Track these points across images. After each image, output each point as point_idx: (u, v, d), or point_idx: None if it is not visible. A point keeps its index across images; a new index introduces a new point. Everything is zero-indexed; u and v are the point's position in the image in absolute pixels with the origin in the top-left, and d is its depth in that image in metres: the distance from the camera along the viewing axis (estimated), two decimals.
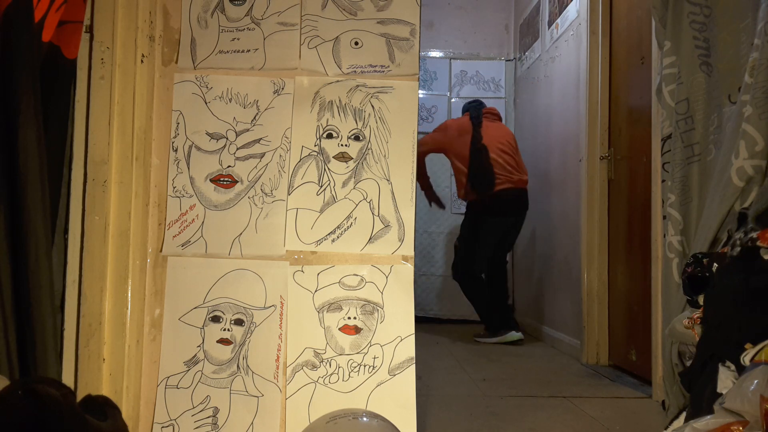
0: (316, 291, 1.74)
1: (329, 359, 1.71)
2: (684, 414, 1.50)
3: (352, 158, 1.80)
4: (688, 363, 1.61)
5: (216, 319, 1.72)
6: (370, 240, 1.76)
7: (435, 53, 4.93)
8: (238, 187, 1.78)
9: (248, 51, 1.82)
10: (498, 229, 3.84)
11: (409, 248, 1.76)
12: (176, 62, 1.81)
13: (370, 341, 1.72)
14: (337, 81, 1.82)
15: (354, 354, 1.71)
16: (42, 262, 1.38)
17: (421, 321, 3.75)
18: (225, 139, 1.79)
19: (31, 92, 1.37)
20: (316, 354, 1.71)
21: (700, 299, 1.55)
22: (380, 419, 1.42)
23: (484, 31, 5.03)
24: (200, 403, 1.68)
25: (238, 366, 1.70)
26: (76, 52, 1.59)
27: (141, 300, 1.69)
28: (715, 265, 1.51)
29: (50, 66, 1.50)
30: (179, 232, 1.76)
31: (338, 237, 1.76)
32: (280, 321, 1.72)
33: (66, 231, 1.59)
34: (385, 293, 1.74)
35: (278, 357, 1.70)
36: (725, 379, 1.27)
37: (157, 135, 1.78)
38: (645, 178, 2.70)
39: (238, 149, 1.79)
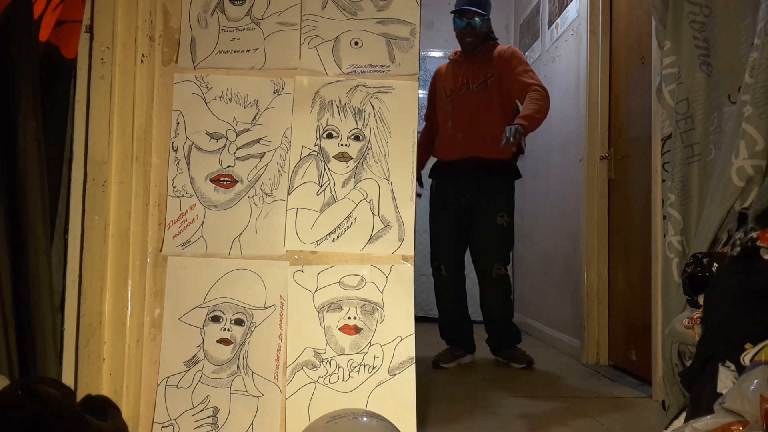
0: (316, 291, 1.74)
1: (329, 359, 1.71)
2: (684, 414, 1.50)
3: (352, 158, 1.80)
4: (688, 363, 1.61)
5: (216, 319, 1.72)
6: (370, 240, 1.76)
7: (435, 53, 4.93)
8: (238, 187, 1.78)
9: (248, 51, 1.82)
10: None
11: (409, 248, 1.76)
12: (176, 62, 1.81)
13: (370, 341, 1.72)
14: (337, 81, 1.82)
15: (354, 354, 1.71)
16: (42, 262, 1.39)
17: (421, 321, 3.75)
18: (225, 139, 1.79)
19: (30, 92, 1.37)
20: (316, 354, 1.71)
21: (700, 299, 1.55)
22: (380, 419, 1.42)
23: None
24: (200, 403, 1.68)
25: (238, 366, 1.70)
26: (74, 52, 1.59)
27: (141, 300, 1.69)
28: (715, 265, 1.51)
29: (48, 65, 1.50)
30: (179, 232, 1.76)
31: (338, 237, 1.76)
32: (280, 321, 1.72)
33: (66, 231, 1.59)
34: (385, 293, 1.74)
35: (278, 357, 1.70)
36: (725, 379, 1.27)
37: (157, 135, 1.77)
38: (645, 178, 2.70)
39: (238, 149, 1.79)
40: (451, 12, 3.07)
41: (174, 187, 1.77)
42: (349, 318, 1.73)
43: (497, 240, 3.01)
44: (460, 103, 3.03)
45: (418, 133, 1.84)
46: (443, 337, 3.17)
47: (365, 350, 1.71)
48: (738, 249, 1.44)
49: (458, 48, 3.18)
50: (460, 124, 3.01)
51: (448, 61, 3.22)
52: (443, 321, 3.16)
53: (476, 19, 2.99)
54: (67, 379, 1.55)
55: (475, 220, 3.02)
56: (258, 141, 1.79)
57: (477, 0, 3.02)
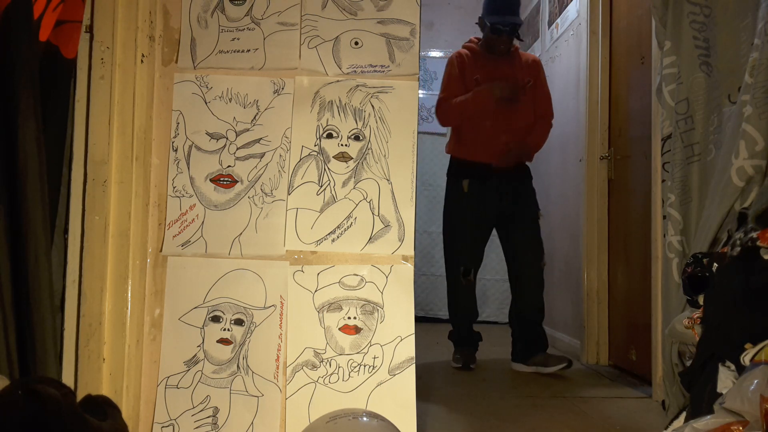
0: (316, 291, 1.74)
1: (329, 359, 1.71)
2: (684, 414, 1.50)
3: (352, 158, 1.80)
4: (688, 363, 1.61)
5: (216, 319, 1.72)
6: (370, 240, 1.76)
7: (435, 53, 4.93)
8: (238, 187, 1.78)
9: (248, 51, 1.82)
10: None
11: (409, 248, 1.76)
12: (176, 62, 1.81)
13: (370, 341, 1.72)
14: (337, 81, 1.82)
15: (354, 354, 1.71)
16: (42, 262, 1.39)
17: (421, 321, 3.74)
18: (225, 139, 1.79)
19: (30, 92, 1.37)
20: (316, 354, 1.71)
21: (700, 299, 1.55)
22: (380, 419, 1.42)
23: None
24: (200, 403, 1.68)
25: (238, 366, 1.70)
26: (74, 52, 1.59)
27: (141, 300, 1.69)
28: (715, 265, 1.51)
29: (48, 65, 1.50)
30: (179, 232, 1.76)
31: (338, 237, 1.76)
32: (280, 321, 1.72)
33: (66, 231, 1.59)
34: (385, 293, 1.74)
35: (278, 357, 1.70)
36: (725, 379, 1.27)
37: (157, 135, 1.77)
38: (645, 178, 2.70)
39: (238, 149, 1.79)
40: (489, 18, 2.98)
41: (174, 187, 1.77)
42: (349, 318, 1.73)
43: (539, 236, 3.03)
44: (506, 106, 2.94)
45: (418, 132, 1.83)
46: (453, 338, 3.11)
47: (365, 350, 1.71)
48: (738, 249, 1.43)
49: (473, 37, 3.14)
50: (506, 128, 2.94)
51: (467, 50, 3.08)
52: (461, 323, 3.09)
53: (514, 27, 2.99)
54: (67, 379, 1.55)
55: (519, 220, 2.99)
56: (258, 141, 1.79)
57: (513, 7, 3.00)
